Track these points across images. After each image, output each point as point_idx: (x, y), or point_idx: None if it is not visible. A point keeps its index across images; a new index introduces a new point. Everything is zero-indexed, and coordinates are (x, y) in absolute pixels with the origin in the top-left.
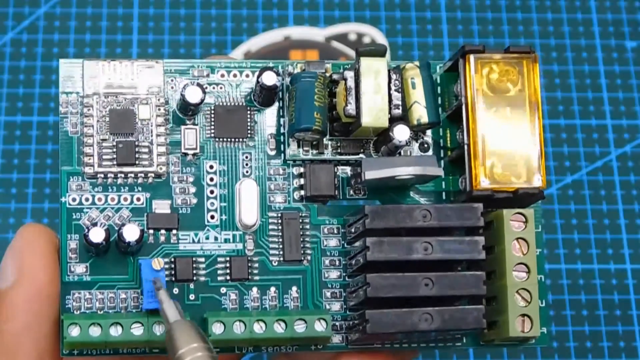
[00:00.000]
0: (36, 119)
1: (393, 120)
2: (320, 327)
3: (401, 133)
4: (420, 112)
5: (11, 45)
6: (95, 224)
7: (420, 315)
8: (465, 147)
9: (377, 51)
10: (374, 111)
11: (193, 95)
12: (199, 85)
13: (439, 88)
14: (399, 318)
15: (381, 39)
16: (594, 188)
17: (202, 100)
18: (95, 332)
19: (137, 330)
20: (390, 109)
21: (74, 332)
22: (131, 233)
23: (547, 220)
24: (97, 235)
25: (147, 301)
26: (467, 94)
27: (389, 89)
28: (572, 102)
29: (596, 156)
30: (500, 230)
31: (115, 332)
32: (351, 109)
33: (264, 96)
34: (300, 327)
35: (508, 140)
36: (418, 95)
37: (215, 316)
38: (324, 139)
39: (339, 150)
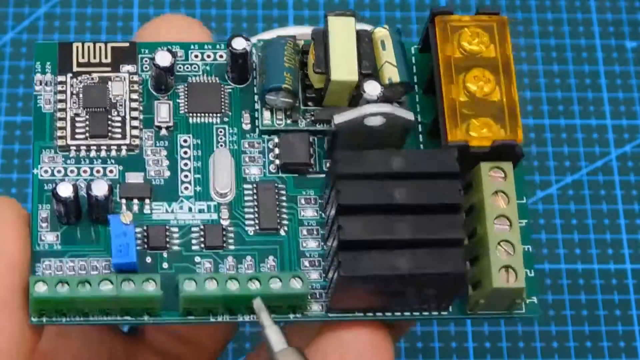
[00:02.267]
0: None
1: (363, 78)
2: (296, 284)
3: (372, 88)
4: (391, 72)
5: (11, 45)
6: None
7: (396, 257)
8: (439, 111)
9: (345, 13)
10: (343, 66)
11: (163, 59)
12: (169, 50)
13: (414, 68)
14: (374, 260)
15: None
16: (594, 188)
17: (173, 65)
18: (62, 289)
19: (106, 287)
20: (360, 66)
21: (41, 289)
22: (100, 188)
23: (547, 220)
24: (65, 190)
25: (116, 256)
26: (439, 57)
27: (359, 49)
28: (572, 102)
29: (596, 156)
30: (478, 184)
31: (84, 289)
32: (320, 65)
33: (237, 69)
34: (275, 285)
35: (483, 102)
36: (388, 55)
37: (187, 276)
38: (297, 110)
39: (312, 119)
